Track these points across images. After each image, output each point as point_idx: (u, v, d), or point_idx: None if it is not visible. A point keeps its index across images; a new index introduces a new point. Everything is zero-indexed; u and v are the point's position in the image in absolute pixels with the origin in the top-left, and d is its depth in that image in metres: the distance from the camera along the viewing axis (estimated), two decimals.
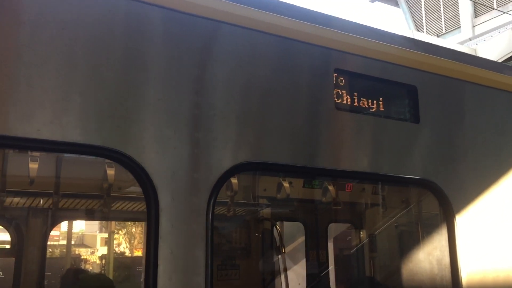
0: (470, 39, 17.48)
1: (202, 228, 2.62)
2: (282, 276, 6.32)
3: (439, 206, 3.65)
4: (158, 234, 2.48)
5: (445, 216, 3.60)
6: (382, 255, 6.89)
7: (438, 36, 19.42)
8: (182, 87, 2.73)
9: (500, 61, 13.21)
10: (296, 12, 3.26)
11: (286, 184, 5.14)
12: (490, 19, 17.61)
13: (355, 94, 3.38)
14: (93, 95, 2.48)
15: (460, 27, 18.94)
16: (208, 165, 2.72)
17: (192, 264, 2.57)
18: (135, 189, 4.72)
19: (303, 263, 7.42)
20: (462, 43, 16.97)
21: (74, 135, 2.40)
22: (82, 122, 2.42)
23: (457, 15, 19.27)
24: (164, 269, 2.47)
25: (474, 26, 18.26)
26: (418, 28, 20.78)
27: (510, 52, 14.81)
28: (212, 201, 2.67)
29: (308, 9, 3.40)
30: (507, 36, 15.04)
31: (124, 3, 2.65)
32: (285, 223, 7.51)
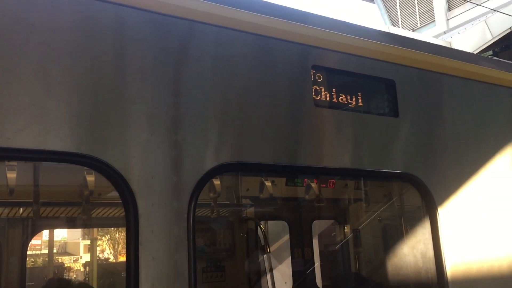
0: (444, 33, 17.69)
1: (184, 232, 2.57)
2: (268, 276, 6.29)
3: (421, 199, 3.66)
4: (138, 240, 2.42)
5: (428, 209, 3.60)
6: (366, 250, 6.91)
7: (413, 30, 19.63)
8: (159, 89, 2.67)
9: (475, 52, 13.39)
10: (272, 10, 3.23)
11: (268, 183, 5.11)
12: (463, 12, 17.86)
13: (334, 90, 3.36)
14: (66, 100, 2.40)
15: (434, 21, 19.17)
16: (188, 168, 2.66)
17: (174, 269, 2.52)
18: (116, 194, 4.64)
19: (288, 261, 7.40)
20: (437, 36, 17.17)
21: (46, 143, 2.32)
22: (54, 129, 2.34)
23: (431, 9, 19.50)
24: (146, 276, 2.42)
25: (448, 20, 18.49)
26: (394, 23, 20.97)
27: (484, 44, 15.04)
28: (193, 204, 2.62)
29: (284, 6, 3.37)
30: (481, 28, 15.26)
31: (97, 5, 2.58)
32: (269, 222, 7.49)
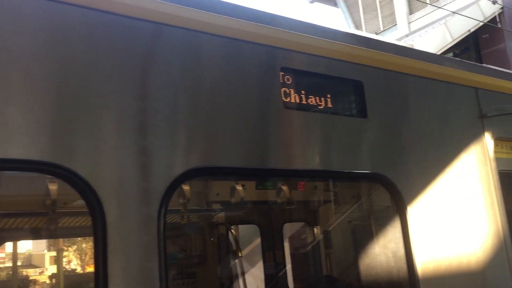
0: (406, 36, 18.08)
1: (154, 239, 2.51)
2: (240, 280, 6.25)
3: (390, 198, 3.70)
4: (107, 249, 2.34)
5: (397, 208, 3.64)
6: (337, 251, 6.96)
7: (376, 33, 19.99)
8: (125, 94, 2.60)
9: None
10: (239, 12, 3.21)
11: (239, 188, 5.07)
12: (424, 15, 18.31)
13: (303, 92, 3.36)
14: (27, 106, 2.31)
15: (396, 24, 19.58)
16: (156, 173, 2.60)
17: (145, 278, 2.45)
18: (82, 202, 4.51)
19: (260, 265, 7.38)
20: (399, 39, 17.54)
21: (7, 151, 2.22)
22: (15, 136, 2.24)
23: (393, 13, 19.92)
24: (115, 286, 2.34)
25: (409, 23, 18.92)
26: (357, 27, 21.32)
27: (445, 46, 15.45)
28: (163, 211, 2.56)
29: (252, 9, 3.35)
30: (441, 31, 15.67)
31: (61, 8, 2.50)
32: (240, 226, 7.45)
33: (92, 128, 2.46)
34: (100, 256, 2.34)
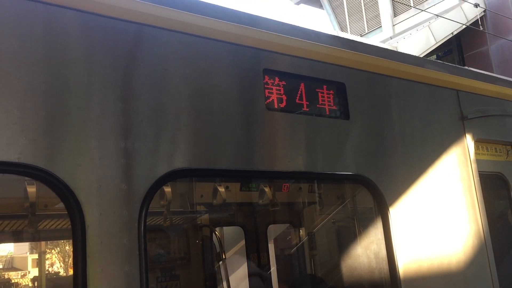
0: (391, 38, 18.24)
1: (134, 242, 2.48)
2: (224, 283, 6.22)
3: (373, 200, 3.71)
4: (86, 252, 2.31)
5: (379, 209, 3.66)
6: (321, 252, 6.97)
7: (361, 35, 20.13)
8: (105, 94, 2.57)
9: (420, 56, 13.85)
10: (222, 13, 3.19)
11: (222, 189, 5.06)
12: (408, 18, 18.49)
13: (285, 93, 3.36)
14: (4, 107, 2.26)
15: (381, 26, 19.74)
16: (137, 175, 2.58)
17: (125, 281, 2.42)
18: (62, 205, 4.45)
19: (245, 267, 7.36)
20: (384, 41, 17.67)
21: None
22: None
23: (377, 15, 20.08)
24: None
25: (394, 25, 19.09)
26: (343, 28, 21.44)
27: (428, 48, 15.61)
28: (143, 213, 2.54)
29: (235, 10, 3.35)
30: (425, 33, 15.84)
31: (40, 7, 2.46)
32: (225, 228, 7.42)
33: (71, 130, 2.42)
34: (79, 259, 2.31)
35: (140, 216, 2.52)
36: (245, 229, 7.31)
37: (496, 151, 4.54)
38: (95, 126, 2.50)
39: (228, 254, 7.16)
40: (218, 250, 6.55)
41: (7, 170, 2.35)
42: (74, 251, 2.33)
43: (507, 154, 4.71)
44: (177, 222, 6.57)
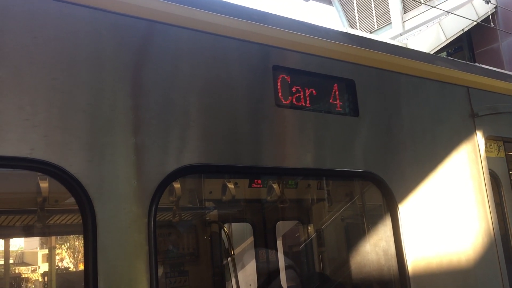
0: (401, 34, 18.14)
1: (144, 238, 2.50)
2: (233, 279, 6.25)
3: (382, 197, 3.71)
4: (97, 247, 2.34)
5: (388, 206, 3.65)
6: (330, 249, 6.97)
7: (371, 32, 20.05)
8: (116, 91, 2.59)
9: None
10: (232, 10, 3.20)
11: (231, 186, 5.07)
12: (418, 14, 18.38)
13: (295, 90, 3.36)
14: (17, 103, 2.29)
15: (391, 23, 19.64)
16: (147, 171, 2.60)
17: (135, 277, 2.44)
18: (73, 200, 4.49)
19: (253, 263, 7.38)
20: (393, 38, 17.58)
21: None
22: (4, 133, 2.23)
23: (387, 12, 19.97)
24: (105, 284, 2.33)
25: (404, 22, 18.98)
26: (352, 25, 21.36)
27: (438, 45, 15.51)
28: (153, 209, 2.56)
29: (245, 7, 3.35)
30: (435, 30, 15.74)
31: (52, 4, 2.48)
32: (233, 224, 7.44)
33: (82, 126, 2.44)
34: (90, 254, 2.33)
35: (150, 212, 2.54)
36: (253, 226, 7.33)
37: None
38: (106, 122, 2.52)
39: (237, 250, 7.19)
40: (226, 246, 6.59)
41: (20, 166, 2.38)
42: (85, 246, 2.36)
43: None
44: (186, 218, 6.61)
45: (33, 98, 2.34)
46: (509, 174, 4.81)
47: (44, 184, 3.70)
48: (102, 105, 2.53)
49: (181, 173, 2.79)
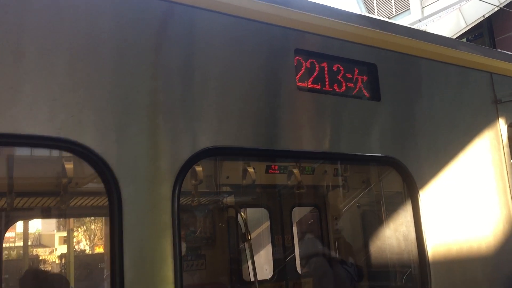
0: (419, 21, 17.85)
1: (168, 218, 2.53)
2: (249, 263, 6.29)
3: (402, 182, 3.69)
4: (122, 227, 2.37)
5: (409, 191, 3.63)
6: (346, 235, 6.98)
7: (389, 18, 19.77)
8: (139, 73, 2.61)
9: None
10: None
11: (251, 170, 5.08)
12: (437, 0, 18.06)
13: (316, 73, 3.34)
14: (44, 83, 2.32)
15: (409, 9, 19.33)
16: (171, 152, 2.62)
17: (159, 256, 2.48)
18: (94, 184, 4.56)
19: (269, 248, 7.43)
20: (412, 24, 17.29)
21: (25, 127, 2.24)
22: (33, 113, 2.26)
23: None
24: (130, 263, 2.37)
25: (423, 8, 18.67)
26: (370, 11, 21.08)
27: (458, 32, 15.24)
28: (177, 190, 2.58)
29: None
30: (455, 16, 15.46)
31: None
32: (248, 209, 7.49)
33: (108, 107, 2.47)
34: (116, 233, 2.36)
35: (173, 193, 2.56)
36: (270, 211, 7.36)
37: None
38: (131, 103, 2.54)
39: (253, 235, 7.23)
40: (243, 230, 6.63)
41: (48, 145, 2.42)
42: (111, 226, 2.39)
43: None
44: (203, 202, 6.66)
45: (61, 80, 2.36)
46: None
47: (69, 166, 3.75)
48: (128, 87, 2.54)
49: (204, 155, 2.80)
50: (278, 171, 6.32)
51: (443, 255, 3.61)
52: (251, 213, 7.58)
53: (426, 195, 3.61)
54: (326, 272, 5.93)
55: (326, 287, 5.84)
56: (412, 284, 3.96)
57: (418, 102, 3.83)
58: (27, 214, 5.88)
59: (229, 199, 6.93)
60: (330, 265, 6.21)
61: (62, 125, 2.32)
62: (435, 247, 3.57)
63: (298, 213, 7.86)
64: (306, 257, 7.04)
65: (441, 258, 3.59)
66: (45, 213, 5.97)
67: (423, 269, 3.51)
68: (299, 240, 7.55)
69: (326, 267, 6.07)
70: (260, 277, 6.40)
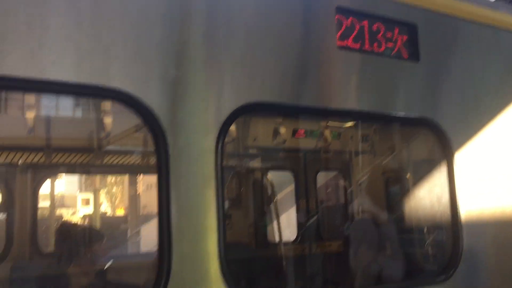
0: None
1: (212, 169, 2.59)
2: (275, 223, 6.40)
3: (438, 144, 3.68)
4: (169, 177, 2.43)
5: (444, 153, 3.62)
6: (370, 200, 6.99)
7: None
8: (188, 26, 2.63)
9: None
10: None
11: (283, 130, 5.10)
12: None
13: (357, 32, 3.31)
14: (98, 35, 2.36)
15: None
16: (216, 106, 2.66)
17: (204, 205, 2.55)
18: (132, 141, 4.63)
19: (293, 211, 7.52)
20: None
21: (79, 76, 2.29)
22: (87, 63, 2.31)
23: None
24: (176, 210, 2.45)
25: None
26: None
27: None
28: (221, 141, 2.63)
29: None
30: None
31: None
32: (274, 173, 7.54)
33: (156, 59, 2.51)
34: (164, 183, 2.43)
35: (217, 145, 2.61)
36: (295, 175, 7.42)
37: None
38: (178, 57, 2.57)
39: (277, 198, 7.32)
40: (269, 193, 6.71)
41: (98, 94, 2.47)
42: (159, 176, 2.46)
43: None
44: (230, 164, 6.73)
45: (112, 31, 2.40)
46: None
47: (108, 120, 3.82)
48: (175, 41, 2.57)
49: (246, 109, 2.84)
50: (304, 135, 6.34)
51: (476, 219, 3.63)
52: (275, 177, 7.65)
53: (462, 158, 3.61)
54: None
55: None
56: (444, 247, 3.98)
57: (459, 64, 3.77)
58: (61, 169, 6.03)
59: (256, 161, 7.00)
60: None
61: (111, 76, 2.36)
62: (468, 210, 3.58)
63: (323, 177, 7.90)
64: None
65: (474, 221, 3.61)
66: (79, 170, 6.11)
67: (455, 231, 3.53)
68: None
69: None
70: (284, 239, 6.50)
